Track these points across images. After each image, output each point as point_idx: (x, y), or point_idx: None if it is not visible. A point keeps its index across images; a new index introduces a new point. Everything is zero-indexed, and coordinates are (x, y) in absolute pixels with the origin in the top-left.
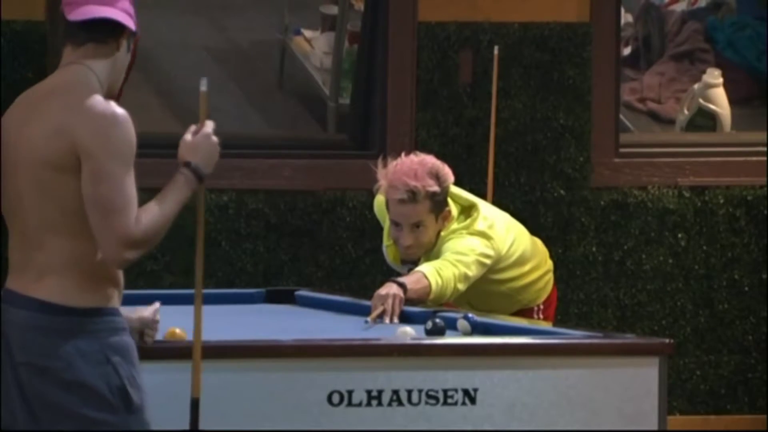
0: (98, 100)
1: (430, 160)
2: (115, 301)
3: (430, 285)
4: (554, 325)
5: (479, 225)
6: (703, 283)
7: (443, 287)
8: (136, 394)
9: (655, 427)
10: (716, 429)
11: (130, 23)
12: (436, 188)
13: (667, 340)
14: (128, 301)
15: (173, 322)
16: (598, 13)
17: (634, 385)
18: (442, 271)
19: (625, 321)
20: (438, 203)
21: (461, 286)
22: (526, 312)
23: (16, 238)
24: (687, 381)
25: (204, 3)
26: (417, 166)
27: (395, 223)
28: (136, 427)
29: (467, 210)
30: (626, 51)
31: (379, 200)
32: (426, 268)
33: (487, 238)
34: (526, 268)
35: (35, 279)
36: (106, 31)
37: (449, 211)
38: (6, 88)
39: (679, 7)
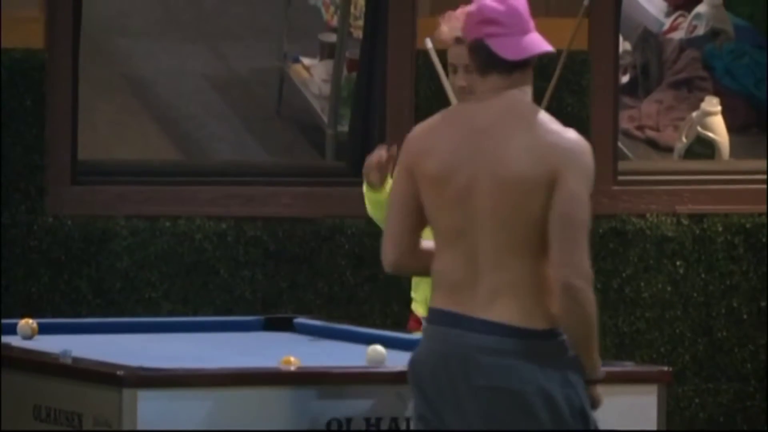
0: (568, 128)
1: None
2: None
3: None
4: None
5: None
6: (702, 311)
7: None
8: (591, 414)
9: None
10: None
11: (549, 46)
12: None
13: (665, 368)
14: (126, 329)
15: (173, 348)
16: (597, 41)
17: (633, 412)
18: None
19: (623, 349)
20: None
21: None
22: None
23: (458, 259)
24: (686, 409)
25: (203, 31)
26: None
27: (452, 68)
28: None
29: None
30: (624, 79)
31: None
32: None
33: None
34: None
35: (488, 301)
36: (531, 59)
37: None
38: (5, 116)
39: (677, 36)
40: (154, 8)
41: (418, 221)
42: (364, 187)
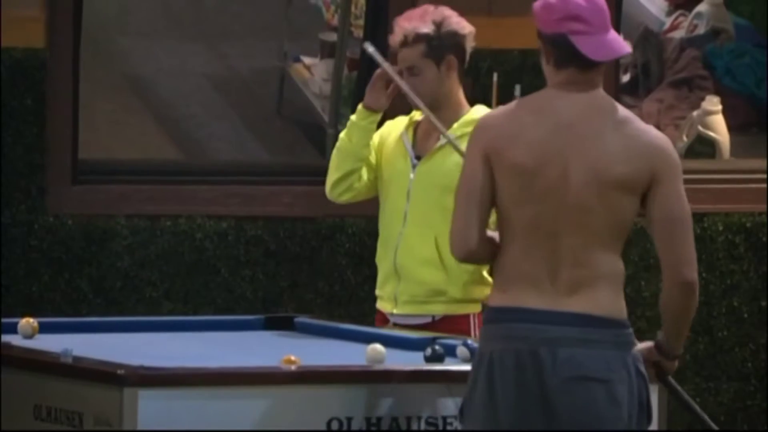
0: (652, 127)
1: (441, 9)
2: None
3: None
4: None
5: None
6: (702, 310)
7: None
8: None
9: None
10: None
11: (629, 47)
12: (427, 30)
13: None
14: (127, 328)
15: (173, 347)
16: None
17: None
18: None
19: None
20: (433, 48)
21: None
22: (463, 317)
23: (535, 254)
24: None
25: (203, 30)
26: (419, 12)
27: (401, 73)
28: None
29: None
30: (625, 78)
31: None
32: None
33: None
34: None
35: (567, 294)
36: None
37: (453, 60)
38: (5, 115)
39: (678, 35)
40: (155, 8)
41: (489, 210)
42: (352, 119)
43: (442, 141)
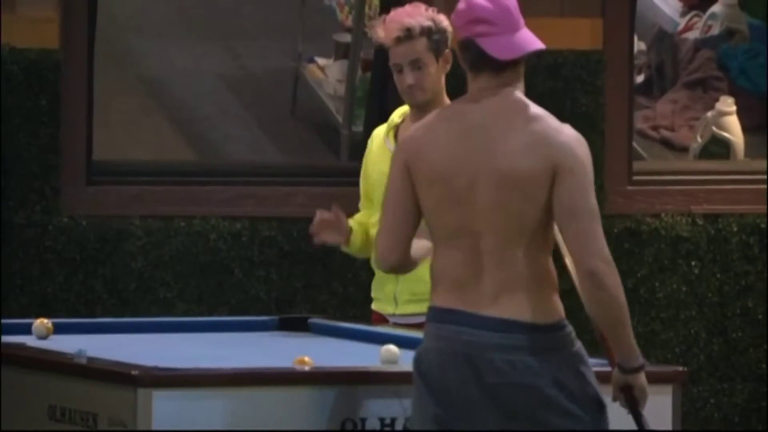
0: (563, 123)
1: (427, 7)
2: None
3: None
4: None
5: None
6: (717, 311)
7: None
8: (601, 395)
9: None
10: None
11: (541, 43)
12: (430, 24)
13: (680, 368)
14: (141, 329)
15: (187, 348)
16: (612, 41)
17: (648, 413)
18: None
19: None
20: (436, 42)
21: None
22: None
23: (460, 257)
24: (701, 409)
25: (217, 30)
26: (410, 9)
27: (397, 68)
28: (606, 426)
29: None
30: (639, 79)
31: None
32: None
33: None
34: None
35: (493, 297)
36: (522, 57)
37: (450, 53)
38: (20, 116)
39: (692, 35)
40: (169, 8)
41: (415, 221)
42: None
43: None
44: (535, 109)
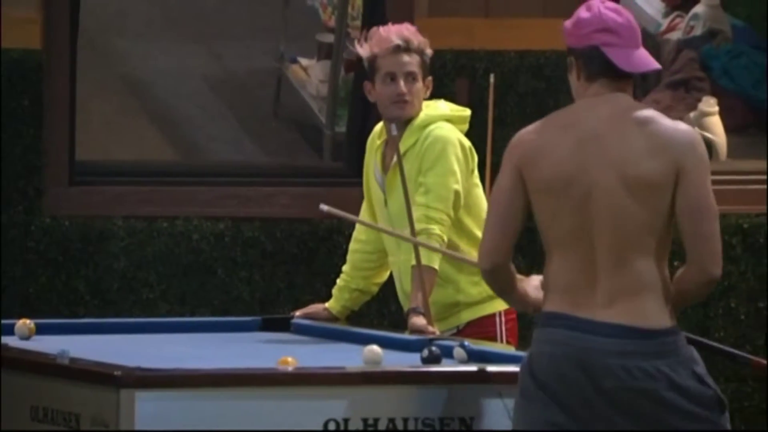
0: (677, 121)
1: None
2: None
3: (432, 267)
4: None
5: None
6: (699, 311)
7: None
8: (721, 394)
9: None
10: None
11: (658, 64)
12: (424, 46)
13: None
14: (124, 329)
15: (170, 349)
16: None
17: None
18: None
19: None
20: (425, 64)
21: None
22: (487, 319)
23: (574, 263)
24: None
25: (200, 31)
26: (403, 26)
27: (390, 77)
28: (728, 425)
29: None
30: None
31: (375, 131)
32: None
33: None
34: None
35: (607, 303)
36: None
37: (431, 81)
38: (3, 116)
39: (675, 36)
40: (152, 9)
41: (521, 224)
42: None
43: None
44: (647, 110)
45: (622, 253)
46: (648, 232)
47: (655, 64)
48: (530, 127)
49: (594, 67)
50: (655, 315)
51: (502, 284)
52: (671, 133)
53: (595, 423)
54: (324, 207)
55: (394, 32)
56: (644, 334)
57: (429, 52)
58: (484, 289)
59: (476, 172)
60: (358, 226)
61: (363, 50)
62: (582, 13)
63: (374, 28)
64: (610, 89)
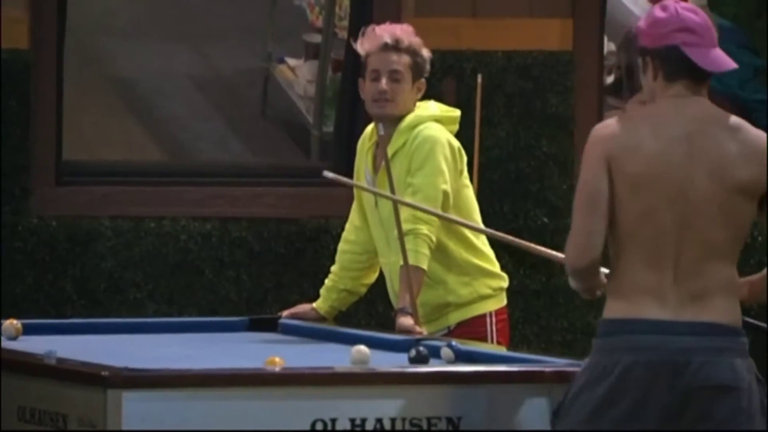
0: (759, 130)
1: (414, 31)
2: None
3: (420, 268)
4: (539, 353)
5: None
6: None
7: (429, 247)
8: None
9: None
10: None
11: (735, 64)
12: (417, 46)
13: None
14: (111, 329)
15: (158, 349)
16: (581, 42)
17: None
18: (418, 243)
19: None
20: (417, 65)
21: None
22: (478, 319)
23: (653, 264)
24: None
25: (187, 31)
26: (400, 26)
27: (375, 75)
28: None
29: None
30: (609, 79)
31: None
32: (411, 258)
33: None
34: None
35: (690, 304)
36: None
37: (424, 83)
38: None
39: None
40: (139, 9)
41: (608, 218)
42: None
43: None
44: (734, 118)
45: (705, 256)
46: (733, 236)
47: (733, 64)
48: (610, 122)
49: (673, 66)
50: (731, 314)
51: (591, 281)
52: (762, 142)
53: (673, 425)
54: (328, 174)
55: (386, 31)
56: (730, 331)
57: (425, 54)
58: (474, 289)
59: (466, 173)
60: (348, 226)
61: (359, 47)
62: (658, 12)
63: (372, 26)
64: (690, 91)
